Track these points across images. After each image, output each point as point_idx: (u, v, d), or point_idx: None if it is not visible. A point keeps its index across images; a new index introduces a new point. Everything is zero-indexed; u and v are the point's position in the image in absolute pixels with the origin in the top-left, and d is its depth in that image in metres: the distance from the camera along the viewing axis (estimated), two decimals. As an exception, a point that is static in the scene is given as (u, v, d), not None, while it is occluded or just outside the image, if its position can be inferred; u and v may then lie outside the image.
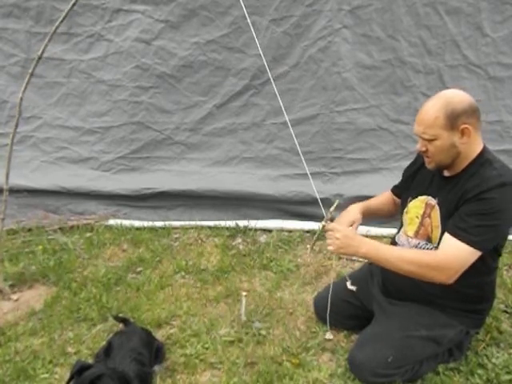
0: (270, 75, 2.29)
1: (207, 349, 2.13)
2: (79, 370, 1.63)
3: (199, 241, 3.16)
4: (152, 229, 3.29)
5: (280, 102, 2.13)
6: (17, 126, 2.45)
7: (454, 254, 1.69)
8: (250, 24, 2.22)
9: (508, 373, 1.89)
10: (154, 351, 1.99)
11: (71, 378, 1.64)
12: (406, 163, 3.14)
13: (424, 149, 1.76)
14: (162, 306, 2.46)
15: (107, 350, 1.87)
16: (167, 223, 3.32)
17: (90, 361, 2.00)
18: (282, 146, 3.30)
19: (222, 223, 3.28)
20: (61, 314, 2.42)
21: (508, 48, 3.02)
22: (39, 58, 2.36)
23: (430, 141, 1.72)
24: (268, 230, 3.22)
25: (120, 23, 3.25)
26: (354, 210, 2.05)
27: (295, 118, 3.25)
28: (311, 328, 2.25)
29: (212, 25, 3.17)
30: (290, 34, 3.13)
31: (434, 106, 1.70)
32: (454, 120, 1.67)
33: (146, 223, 3.34)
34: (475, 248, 1.68)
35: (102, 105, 3.40)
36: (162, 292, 2.60)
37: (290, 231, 3.19)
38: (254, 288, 2.61)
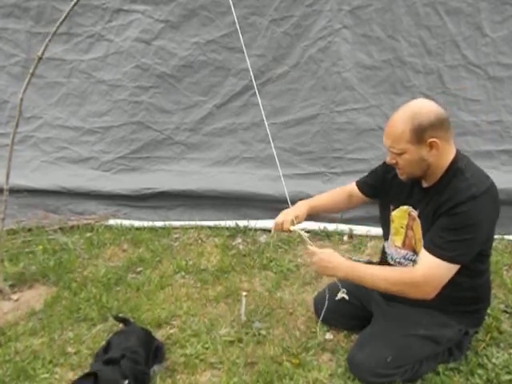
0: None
1: (207, 349, 2.13)
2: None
3: (199, 241, 3.16)
4: (152, 229, 3.29)
5: (262, 111, 2.15)
6: (17, 125, 2.45)
7: (431, 270, 1.68)
8: (238, 21, 2.20)
9: (508, 373, 1.89)
10: (154, 351, 1.99)
11: None
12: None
13: (394, 161, 1.75)
14: (162, 305, 2.46)
15: (106, 350, 1.87)
16: (167, 223, 3.33)
17: (90, 361, 2.01)
18: (282, 145, 3.30)
19: (222, 223, 3.28)
20: (61, 314, 2.43)
21: (508, 48, 3.01)
22: (40, 58, 2.36)
23: (399, 154, 1.71)
24: (268, 230, 3.22)
25: (120, 23, 3.26)
26: (300, 206, 2.10)
27: (295, 118, 3.25)
28: (311, 328, 2.25)
29: (212, 25, 3.18)
30: (290, 34, 3.13)
31: (401, 120, 1.67)
32: (421, 134, 1.64)
33: (145, 223, 3.34)
34: (452, 263, 1.67)
35: (102, 105, 3.40)
36: (162, 292, 2.60)
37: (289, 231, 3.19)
38: (254, 288, 2.61)
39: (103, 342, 2.04)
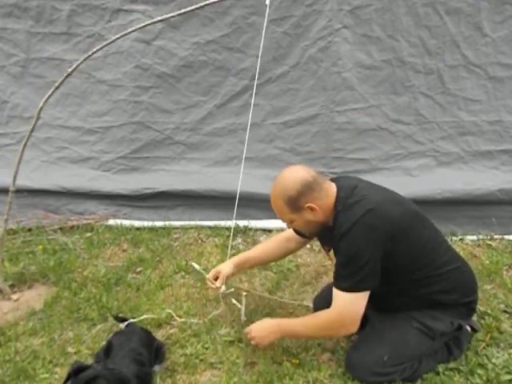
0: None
1: (207, 349, 2.13)
2: (76, 371, 1.63)
3: (199, 241, 3.16)
4: (152, 229, 3.29)
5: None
6: (32, 131, 2.40)
7: (342, 305, 1.78)
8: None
9: (508, 373, 1.89)
10: (154, 351, 1.99)
11: (68, 379, 1.64)
12: (406, 163, 3.18)
13: (290, 226, 1.92)
14: (162, 306, 2.46)
15: (107, 350, 1.87)
16: (167, 223, 3.32)
17: (90, 361, 2.00)
18: (282, 145, 3.31)
19: (222, 223, 3.28)
20: (61, 314, 2.43)
21: (508, 48, 3.02)
22: (68, 75, 2.35)
23: (289, 223, 1.87)
24: (268, 230, 3.22)
25: (120, 23, 3.25)
26: (225, 265, 2.23)
27: (295, 117, 3.25)
28: (311, 328, 2.25)
29: (212, 25, 3.18)
30: (290, 34, 3.13)
31: (275, 196, 1.81)
32: (295, 204, 1.77)
33: (146, 223, 3.33)
34: (355, 292, 1.75)
35: (102, 105, 3.40)
36: (162, 292, 2.60)
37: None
38: (254, 288, 2.60)
39: (103, 342, 2.04)
